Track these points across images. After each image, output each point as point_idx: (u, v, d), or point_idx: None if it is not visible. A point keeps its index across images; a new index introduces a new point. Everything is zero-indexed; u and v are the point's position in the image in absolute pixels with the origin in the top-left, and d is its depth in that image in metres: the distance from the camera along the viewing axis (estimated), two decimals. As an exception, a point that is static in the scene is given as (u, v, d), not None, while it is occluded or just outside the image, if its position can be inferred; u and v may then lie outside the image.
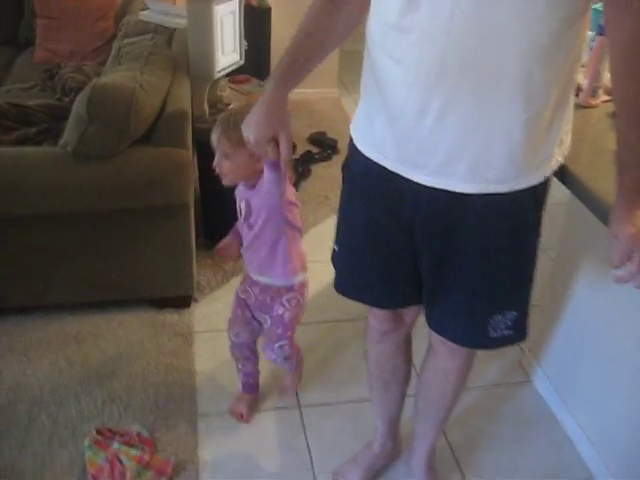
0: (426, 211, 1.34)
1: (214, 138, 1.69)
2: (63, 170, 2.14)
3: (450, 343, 1.53)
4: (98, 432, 1.97)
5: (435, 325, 1.53)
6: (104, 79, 2.13)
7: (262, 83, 3.09)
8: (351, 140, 1.45)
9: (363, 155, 1.39)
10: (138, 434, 2.00)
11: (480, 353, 1.65)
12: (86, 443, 1.94)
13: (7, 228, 2.22)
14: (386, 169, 1.34)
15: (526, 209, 1.32)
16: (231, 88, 2.82)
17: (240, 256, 1.91)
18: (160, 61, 2.45)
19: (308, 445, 2.05)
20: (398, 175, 1.32)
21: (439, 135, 1.22)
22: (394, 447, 1.96)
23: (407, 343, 1.77)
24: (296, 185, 3.24)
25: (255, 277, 1.88)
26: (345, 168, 1.53)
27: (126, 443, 1.95)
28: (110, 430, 2.00)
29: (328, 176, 3.44)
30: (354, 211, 1.50)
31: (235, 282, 2.68)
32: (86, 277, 2.37)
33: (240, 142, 1.50)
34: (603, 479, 1.90)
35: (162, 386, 2.21)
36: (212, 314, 2.55)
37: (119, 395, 2.17)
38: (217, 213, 2.50)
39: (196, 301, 2.60)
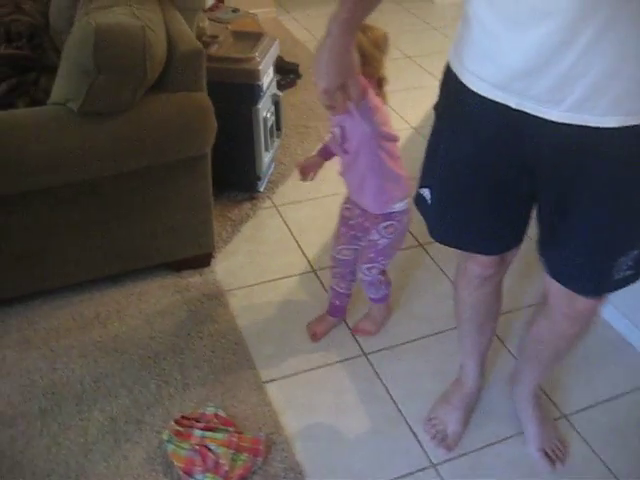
0: (553, 148, 1.23)
1: None
2: (71, 133, 1.82)
3: (572, 292, 1.44)
4: (176, 422, 1.77)
5: (557, 272, 1.42)
6: (101, 18, 1.78)
7: (234, 8, 2.77)
8: (452, 77, 1.31)
9: (476, 94, 1.25)
10: (216, 415, 1.82)
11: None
12: (165, 437, 1.74)
13: (7, 207, 1.89)
14: (508, 107, 1.21)
15: None
16: (209, 19, 2.50)
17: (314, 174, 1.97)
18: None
19: (389, 393, 1.95)
20: (522, 112, 1.20)
21: (584, 68, 1.10)
22: (483, 382, 1.91)
23: (502, 280, 1.69)
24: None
25: (354, 199, 1.89)
26: (442, 107, 1.40)
27: (208, 428, 1.77)
28: (185, 417, 1.80)
29: (299, 103, 3.22)
30: (458, 152, 1.36)
31: (245, 230, 2.49)
32: (99, 250, 2.08)
33: None
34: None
35: (214, 357, 2.02)
36: (235, 269, 2.35)
37: (172, 375, 1.96)
38: (223, 159, 2.25)
39: (214, 258, 2.37)
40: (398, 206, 1.83)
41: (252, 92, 2.38)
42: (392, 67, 3.71)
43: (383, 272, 1.99)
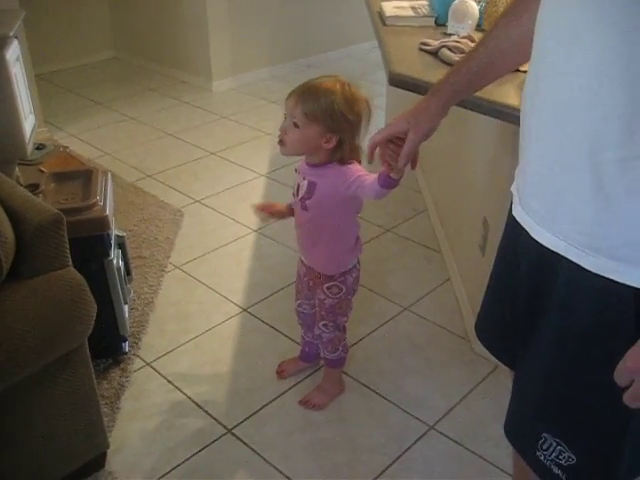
0: None
1: (290, 103, 1.60)
2: None
3: None
4: None
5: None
6: None
7: (38, 144, 2.29)
8: None
9: None
10: None
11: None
12: None
13: None
14: None
15: None
16: (18, 163, 2.01)
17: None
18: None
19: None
20: None
21: None
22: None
23: None
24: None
25: (302, 257, 1.89)
26: None
27: None
28: None
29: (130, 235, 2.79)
30: None
31: (126, 406, 2.06)
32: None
33: (315, 116, 1.56)
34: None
35: None
36: (135, 460, 1.89)
37: None
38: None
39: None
40: (342, 268, 1.82)
41: (102, 242, 1.97)
42: (200, 168, 3.54)
43: (342, 328, 1.97)
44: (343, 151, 1.63)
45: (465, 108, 1.65)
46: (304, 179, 1.70)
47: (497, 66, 1.21)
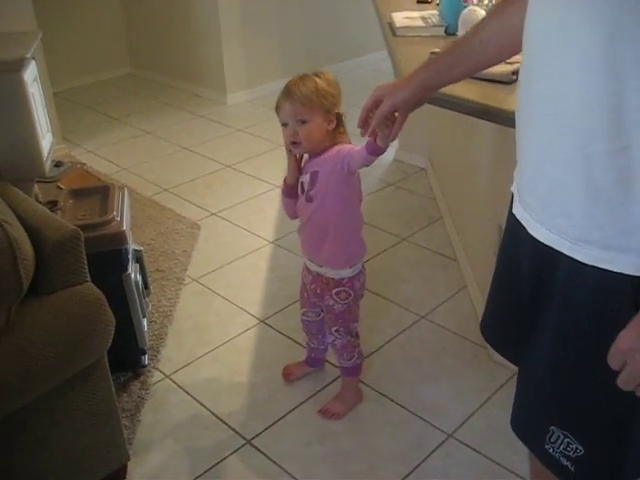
0: None
1: (285, 108, 1.70)
2: None
3: None
4: None
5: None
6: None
7: (56, 161, 2.34)
8: None
9: None
10: None
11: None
12: None
13: None
14: None
15: None
16: (37, 180, 2.05)
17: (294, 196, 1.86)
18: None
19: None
20: None
21: None
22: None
23: None
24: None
25: (307, 263, 1.94)
26: None
27: None
28: None
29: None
30: None
31: (146, 418, 2.08)
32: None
33: (312, 101, 1.68)
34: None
35: None
36: (157, 473, 1.91)
37: None
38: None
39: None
40: (347, 272, 1.86)
41: (120, 257, 2.00)
42: (215, 180, 3.57)
43: (354, 334, 1.99)
44: (339, 127, 1.76)
45: (479, 118, 1.66)
46: (306, 174, 1.78)
47: (477, 55, 1.26)
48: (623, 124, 0.87)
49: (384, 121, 1.36)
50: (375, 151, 1.56)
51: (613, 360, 0.91)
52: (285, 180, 1.86)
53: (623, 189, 0.90)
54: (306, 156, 1.82)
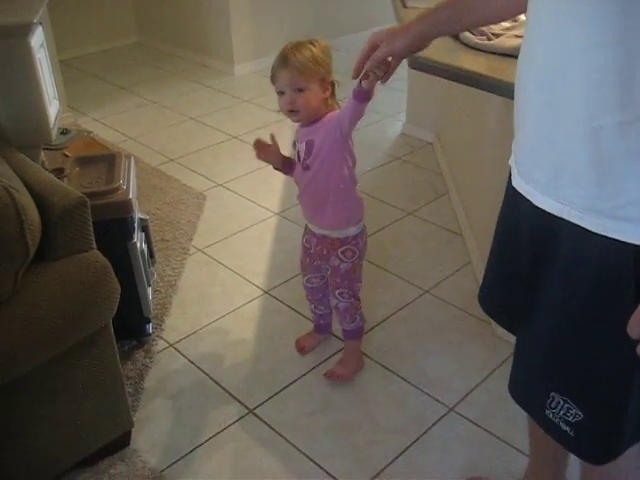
0: None
1: (282, 76, 1.71)
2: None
3: None
4: None
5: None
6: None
7: (62, 128, 2.33)
8: None
9: None
10: None
11: None
12: None
13: None
14: None
15: None
16: (44, 148, 2.05)
17: (278, 169, 1.93)
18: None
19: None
20: None
21: None
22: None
23: None
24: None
25: (310, 226, 1.95)
26: None
27: None
28: None
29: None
30: None
31: (150, 386, 2.10)
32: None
33: (309, 69, 1.67)
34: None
35: None
36: (160, 439, 1.93)
37: None
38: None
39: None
40: (352, 230, 1.88)
41: (126, 226, 2.00)
42: (222, 151, 3.55)
43: (357, 296, 2.01)
44: (333, 93, 1.76)
45: (487, 91, 1.65)
46: (301, 142, 1.79)
47: (478, 11, 1.26)
48: (633, 97, 0.87)
49: (378, 65, 1.37)
50: (360, 95, 1.56)
51: (633, 329, 0.92)
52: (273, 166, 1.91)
53: (633, 159, 0.90)
54: (296, 125, 1.83)
